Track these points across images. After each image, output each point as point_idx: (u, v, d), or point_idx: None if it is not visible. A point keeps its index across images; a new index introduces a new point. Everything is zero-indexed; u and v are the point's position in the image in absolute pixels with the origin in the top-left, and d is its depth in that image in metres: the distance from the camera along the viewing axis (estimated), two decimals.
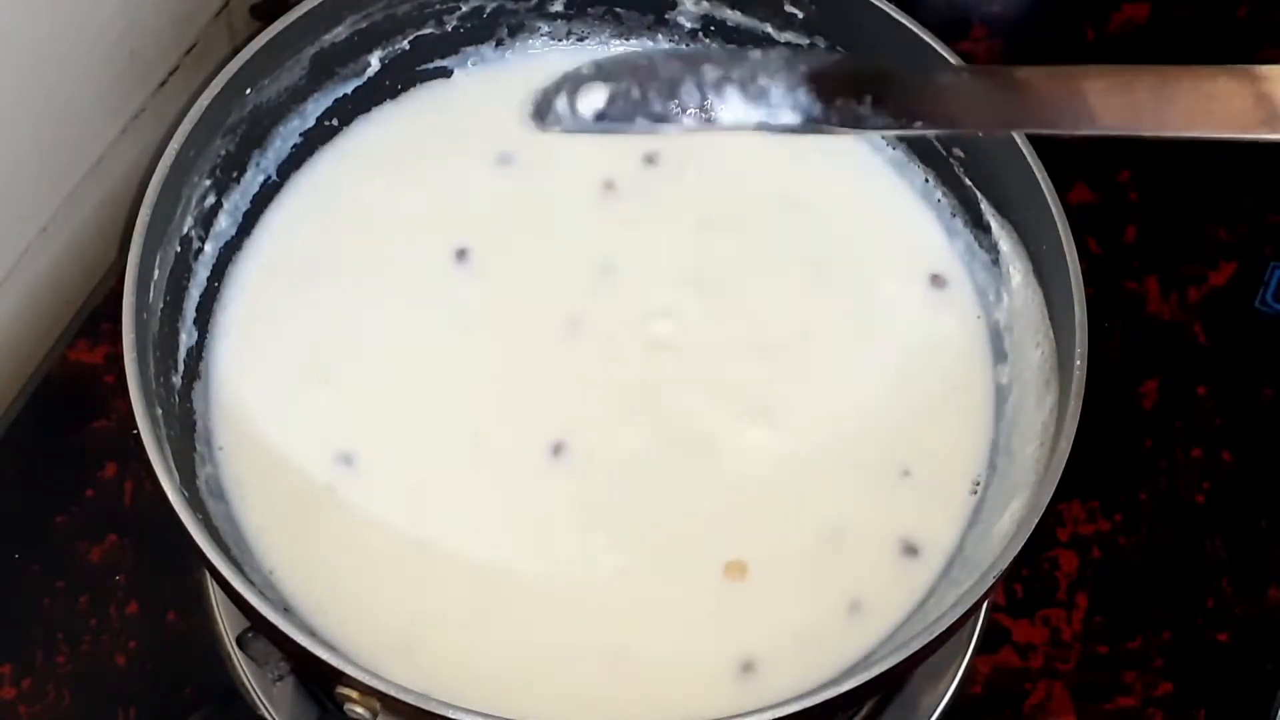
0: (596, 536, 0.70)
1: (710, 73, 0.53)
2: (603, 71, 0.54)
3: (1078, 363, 0.67)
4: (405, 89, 0.80)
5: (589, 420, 0.72)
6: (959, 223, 0.77)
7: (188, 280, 0.73)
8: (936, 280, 0.76)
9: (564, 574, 0.69)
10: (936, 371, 0.74)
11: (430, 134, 0.79)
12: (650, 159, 0.78)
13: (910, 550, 0.71)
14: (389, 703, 0.60)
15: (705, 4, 0.79)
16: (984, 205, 0.76)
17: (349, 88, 0.78)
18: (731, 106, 0.53)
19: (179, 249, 0.72)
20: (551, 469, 0.71)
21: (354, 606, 0.68)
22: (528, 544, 0.70)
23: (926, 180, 0.78)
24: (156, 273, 0.69)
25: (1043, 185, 0.70)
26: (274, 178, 0.77)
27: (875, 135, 0.79)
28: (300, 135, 0.77)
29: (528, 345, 0.74)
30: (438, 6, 0.78)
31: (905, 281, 0.76)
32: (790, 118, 0.53)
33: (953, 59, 0.73)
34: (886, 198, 0.79)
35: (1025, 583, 0.81)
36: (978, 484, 0.72)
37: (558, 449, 0.71)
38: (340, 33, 0.76)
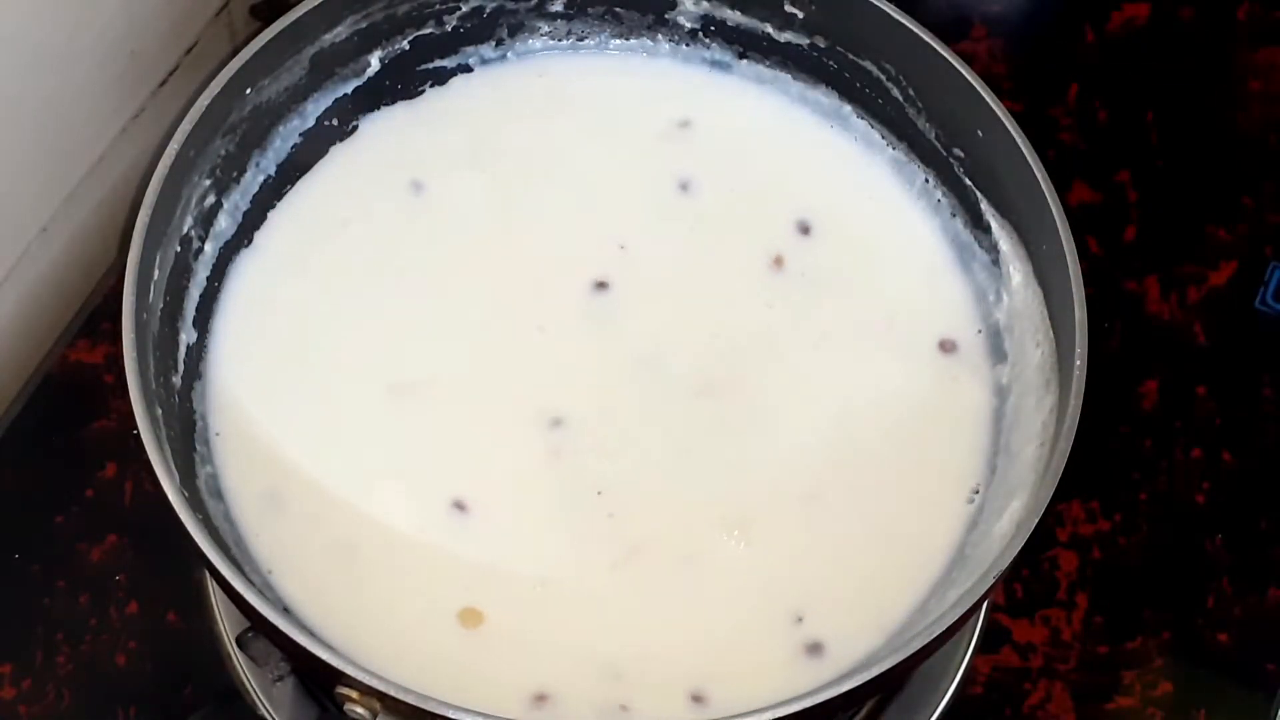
0: (591, 549, 0.70)
1: None
2: None
3: (1078, 363, 0.67)
4: (406, 89, 0.80)
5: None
6: (959, 223, 0.77)
7: (188, 280, 0.73)
8: (946, 345, 0.75)
9: (556, 576, 0.70)
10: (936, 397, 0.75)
11: (431, 135, 0.79)
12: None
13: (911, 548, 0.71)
14: (389, 703, 0.60)
15: (705, 4, 0.79)
16: (984, 205, 0.76)
17: (349, 88, 0.78)
18: None
19: (179, 249, 0.72)
20: (548, 444, 0.72)
21: (354, 606, 0.68)
22: (525, 548, 0.70)
23: (926, 180, 0.78)
24: (156, 273, 0.69)
25: (1043, 185, 0.70)
26: (274, 178, 0.77)
27: (875, 135, 0.79)
28: (300, 135, 0.77)
29: (522, 344, 0.74)
30: (438, 6, 0.78)
31: (911, 347, 0.76)
32: None
33: (953, 59, 0.73)
34: (886, 201, 0.79)
35: (1025, 583, 0.81)
36: (975, 491, 0.72)
37: (556, 422, 0.72)
38: (340, 33, 0.76)
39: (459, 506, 0.70)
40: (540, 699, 0.67)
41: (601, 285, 0.75)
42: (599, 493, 0.71)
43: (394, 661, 0.65)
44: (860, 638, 0.68)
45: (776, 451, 0.72)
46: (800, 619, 0.69)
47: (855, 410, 0.73)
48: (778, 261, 0.76)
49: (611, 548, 0.70)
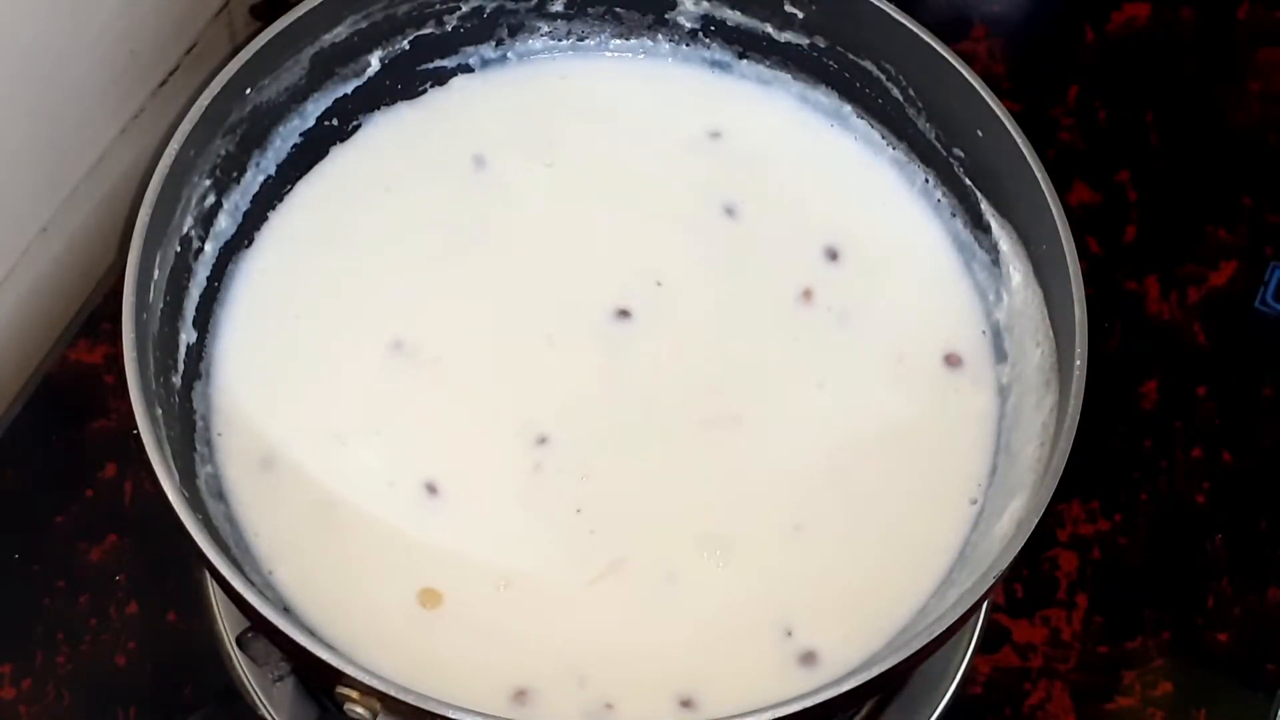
0: (587, 536, 0.70)
1: None
2: None
3: (1078, 363, 0.67)
4: (406, 89, 0.80)
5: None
6: (959, 223, 0.77)
7: (188, 280, 0.73)
8: (951, 359, 0.75)
9: (553, 575, 0.70)
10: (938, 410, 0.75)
11: (430, 135, 0.79)
12: None
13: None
14: (389, 703, 0.60)
15: (705, 4, 0.79)
16: (984, 205, 0.76)
17: (349, 88, 0.78)
18: None
19: (179, 249, 0.72)
20: (539, 454, 0.72)
21: (354, 606, 0.68)
22: (526, 550, 0.70)
23: (927, 180, 0.78)
24: (156, 273, 0.69)
25: (1043, 185, 0.70)
26: (274, 178, 0.77)
27: (875, 135, 0.79)
28: (300, 135, 0.77)
29: (521, 338, 0.74)
30: (438, 6, 0.78)
31: (918, 365, 0.75)
32: None
33: (953, 59, 0.73)
34: (892, 204, 0.79)
35: (1025, 583, 0.81)
36: (978, 490, 0.72)
37: (542, 439, 0.72)
38: (340, 33, 0.76)
39: (433, 491, 0.70)
40: (520, 694, 0.67)
41: (624, 314, 0.75)
42: (578, 510, 0.71)
43: (386, 655, 0.66)
44: (856, 643, 0.68)
45: (776, 464, 0.72)
46: (790, 632, 0.69)
47: (856, 426, 0.73)
48: (807, 294, 0.76)
49: (591, 561, 0.70)
